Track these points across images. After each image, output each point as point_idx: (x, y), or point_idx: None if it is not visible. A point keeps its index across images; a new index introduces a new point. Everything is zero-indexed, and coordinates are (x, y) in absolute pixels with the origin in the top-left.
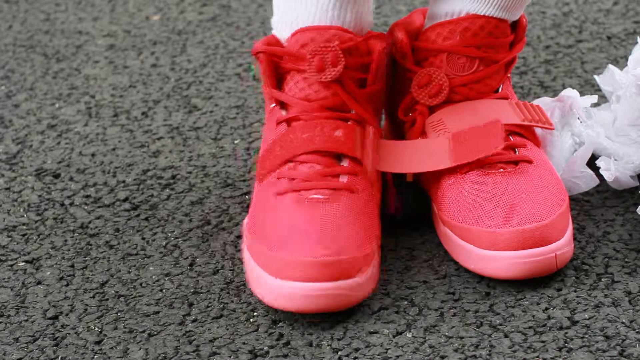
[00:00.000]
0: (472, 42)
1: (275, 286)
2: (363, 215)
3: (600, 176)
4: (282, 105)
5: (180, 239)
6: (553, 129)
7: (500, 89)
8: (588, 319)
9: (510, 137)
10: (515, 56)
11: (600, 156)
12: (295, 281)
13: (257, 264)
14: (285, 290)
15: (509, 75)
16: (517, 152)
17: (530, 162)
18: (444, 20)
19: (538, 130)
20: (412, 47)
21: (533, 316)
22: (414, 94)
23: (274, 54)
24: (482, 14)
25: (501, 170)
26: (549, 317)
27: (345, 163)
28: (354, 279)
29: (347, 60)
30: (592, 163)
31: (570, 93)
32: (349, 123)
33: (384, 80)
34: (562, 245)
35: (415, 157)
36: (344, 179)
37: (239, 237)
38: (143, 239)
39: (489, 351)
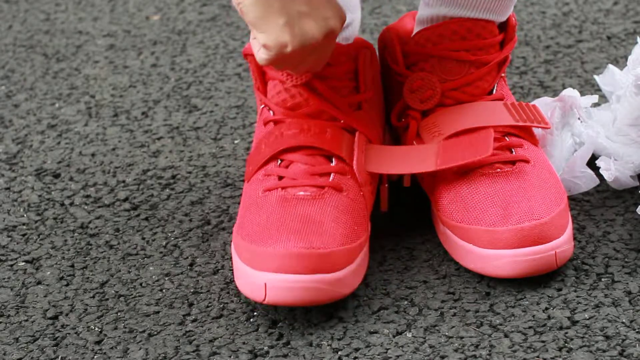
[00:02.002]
0: (461, 45)
1: (251, 277)
2: (348, 213)
3: (600, 176)
4: (269, 107)
5: (180, 239)
6: (549, 127)
7: (494, 90)
8: (588, 319)
9: (506, 138)
10: (508, 55)
11: (600, 156)
12: (270, 272)
13: (238, 257)
14: (260, 281)
15: (503, 75)
16: (513, 152)
17: (527, 161)
18: (432, 24)
19: (538, 130)
20: (402, 51)
21: (533, 316)
22: (405, 99)
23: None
24: (467, 17)
25: (498, 170)
26: (549, 317)
27: (333, 162)
28: (333, 274)
29: (327, 70)
30: (592, 163)
31: (570, 93)
32: (336, 125)
33: (378, 90)
34: (562, 243)
35: (403, 159)
36: (331, 178)
37: None
38: (143, 239)
39: (489, 351)
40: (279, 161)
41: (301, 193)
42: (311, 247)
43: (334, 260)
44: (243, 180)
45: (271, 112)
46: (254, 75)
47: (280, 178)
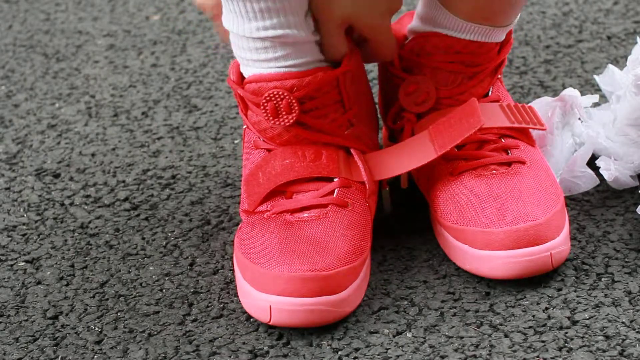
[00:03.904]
0: (456, 58)
1: (256, 299)
2: (353, 228)
3: (600, 176)
4: (252, 131)
5: (180, 239)
6: (545, 129)
7: (490, 93)
8: (588, 319)
9: (502, 140)
10: (504, 58)
11: (600, 156)
12: (274, 295)
13: (241, 274)
14: (265, 303)
15: (499, 76)
16: (509, 154)
17: (523, 162)
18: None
19: (538, 130)
20: (399, 54)
21: (533, 316)
22: (401, 101)
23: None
24: (462, 38)
25: (494, 172)
26: (549, 317)
27: (336, 178)
28: (337, 295)
29: (315, 102)
30: (592, 163)
31: (571, 93)
32: (330, 147)
33: (365, 99)
34: (558, 244)
35: (402, 158)
36: (335, 194)
37: None
38: (143, 239)
39: (489, 351)
40: (283, 192)
41: (305, 215)
42: (315, 270)
43: (338, 280)
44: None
45: (260, 138)
46: (237, 100)
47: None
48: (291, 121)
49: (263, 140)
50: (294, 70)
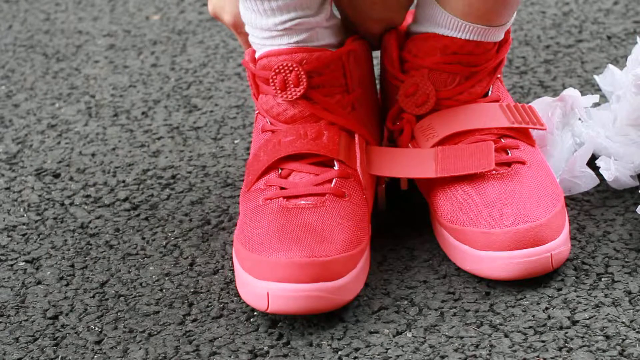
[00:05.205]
0: (453, 59)
1: (254, 286)
2: (350, 219)
3: (600, 176)
4: (263, 115)
5: (180, 239)
6: (545, 129)
7: (489, 92)
8: (588, 319)
9: (502, 140)
10: (503, 58)
11: (600, 156)
12: (272, 281)
13: (240, 265)
14: (263, 290)
15: (499, 76)
16: (509, 154)
17: (523, 163)
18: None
19: (538, 130)
20: (399, 55)
21: (533, 316)
22: (400, 103)
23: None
24: (459, 37)
25: (494, 172)
26: (549, 317)
27: (336, 166)
28: (335, 282)
29: (319, 79)
30: (592, 163)
31: (571, 93)
32: (334, 127)
33: (369, 86)
34: (558, 245)
35: (403, 163)
36: (333, 183)
37: None
38: (143, 239)
39: (489, 351)
40: (279, 170)
41: (302, 202)
42: (313, 256)
43: (336, 267)
44: (243, 180)
45: (267, 120)
46: (250, 84)
47: (282, 189)
48: (299, 94)
49: (270, 123)
50: (304, 46)
